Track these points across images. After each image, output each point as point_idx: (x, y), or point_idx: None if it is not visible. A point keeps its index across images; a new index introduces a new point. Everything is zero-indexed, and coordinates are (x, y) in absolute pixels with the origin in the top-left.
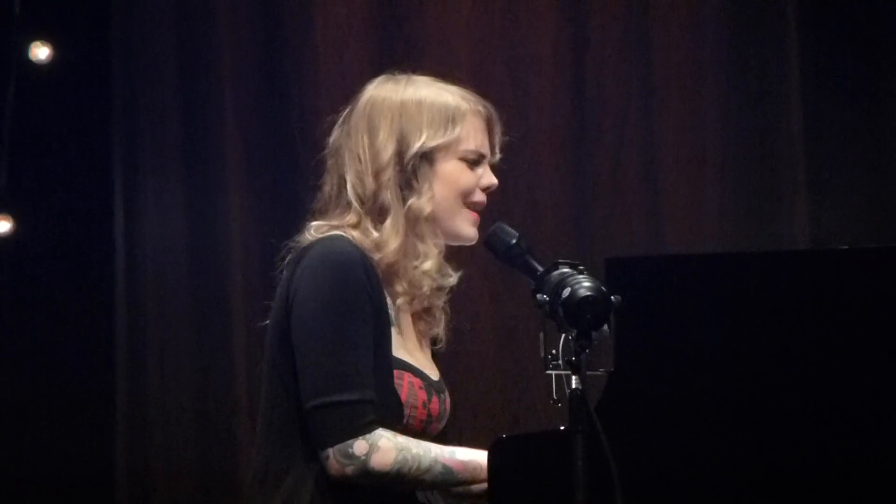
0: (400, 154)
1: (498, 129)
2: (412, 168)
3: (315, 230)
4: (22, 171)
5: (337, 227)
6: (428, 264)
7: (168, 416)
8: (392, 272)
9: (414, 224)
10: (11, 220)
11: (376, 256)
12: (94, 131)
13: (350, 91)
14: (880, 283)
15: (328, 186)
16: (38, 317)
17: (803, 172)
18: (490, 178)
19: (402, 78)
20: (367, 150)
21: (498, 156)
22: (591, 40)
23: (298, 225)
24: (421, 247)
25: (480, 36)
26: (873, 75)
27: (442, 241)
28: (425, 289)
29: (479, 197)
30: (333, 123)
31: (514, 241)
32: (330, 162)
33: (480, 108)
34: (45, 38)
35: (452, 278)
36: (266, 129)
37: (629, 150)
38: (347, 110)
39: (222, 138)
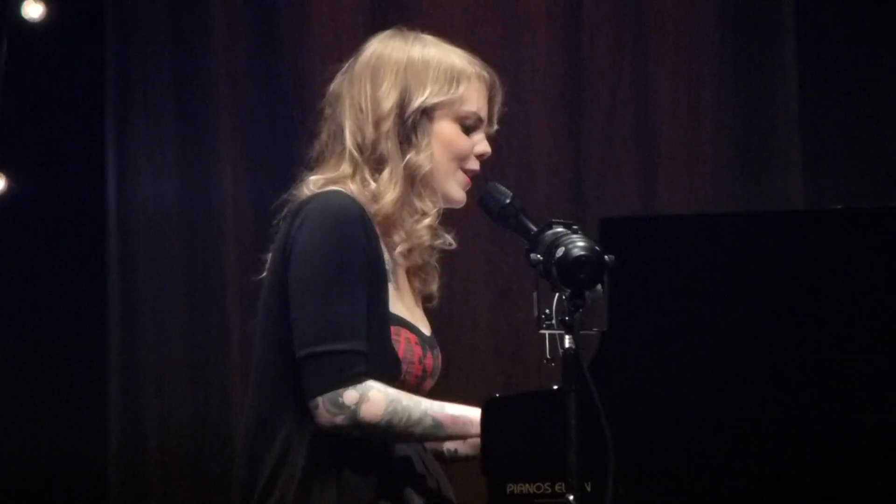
0: (402, 106)
1: (498, 99)
2: (412, 123)
3: (313, 184)
4: (15, 130)
5: (334, 181)
6: (427, 221)
7: (161, 374)
8: (390, 223)
9: (411, 179)
10: (4, 179)
11: (373, 208)
12: (86, 89)
13: (344, 51)
14: (876, 243)
15: (325, 135)
16: (31, 275)
17: (797, 133)
18: (485, 146)
19: (410, 35)
20: (368, 99)
21: (495, 127)
22: (585, 1)
23: (291, 183)
24: (419, 204)
25: None
26: (868, 39)
27: (440, 201)
28: (424, 239)
29: (474, 164)
30: (331, 76)
31: (507, 201)
32: (328, 111)
33: (485, 74)
34: None
35: (448, 240)
36: (259, 87)
37: (623, 111)
38: (350, 61)
39: (215, 96)
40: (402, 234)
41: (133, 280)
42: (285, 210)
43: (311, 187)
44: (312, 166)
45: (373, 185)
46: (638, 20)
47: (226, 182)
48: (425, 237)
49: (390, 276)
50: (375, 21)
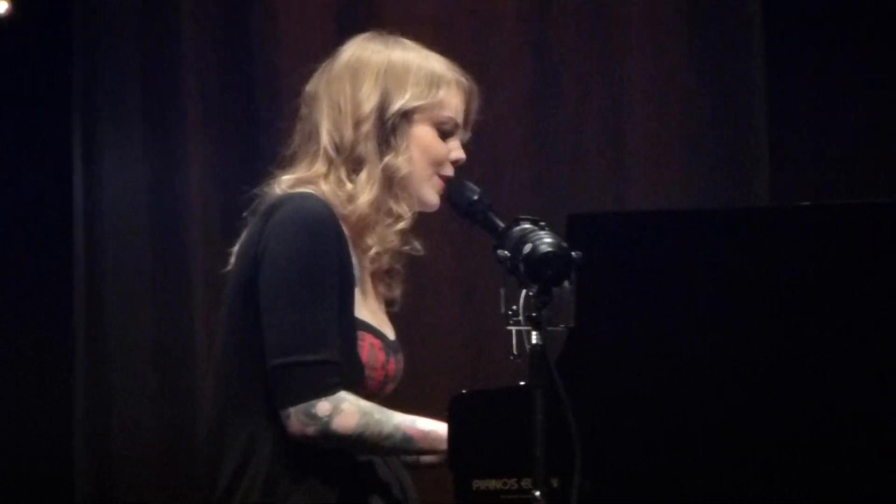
0: (382, 108)
1: (475, 106)
2: (392, 125)
3: (285, 184)
4: None
5: (307, 181)
6: (400, 225)
7: (127, 367)
8: (363, 225)
9: (389, 182)
10: None
11: (347, 209)
12: (53, 83)
13: (311, 44)
14: (842, 239)
15: (299, 135)
16: None
17: (766, 129)
18: (460, 152)
19: (390, 38)
20: (348, 100)
21: (469, 134)
22: None
23: (257, 175)
24: (395, 207)
25: None
26: (837, 33)
27: (416, 205)
28: (396, 244)
29: (449, 169)
30: (301, 73)
31: (475, 198)
32: (304, 111)
33: (464, 81)
34: None
35: (416, 246)
36: (227, 81)
37: (591, 107)
38: (327, 61)
39: (183, 90)
40: (374, 237)
41: (100, 273)
42: (254, 205)
43: (283, 187)
44: (285, 165)
45: (349, 185)
46: (606, 16)
47: (193, 176)
48: (396, 241)
49: (357, 281)
50: (344, 17)
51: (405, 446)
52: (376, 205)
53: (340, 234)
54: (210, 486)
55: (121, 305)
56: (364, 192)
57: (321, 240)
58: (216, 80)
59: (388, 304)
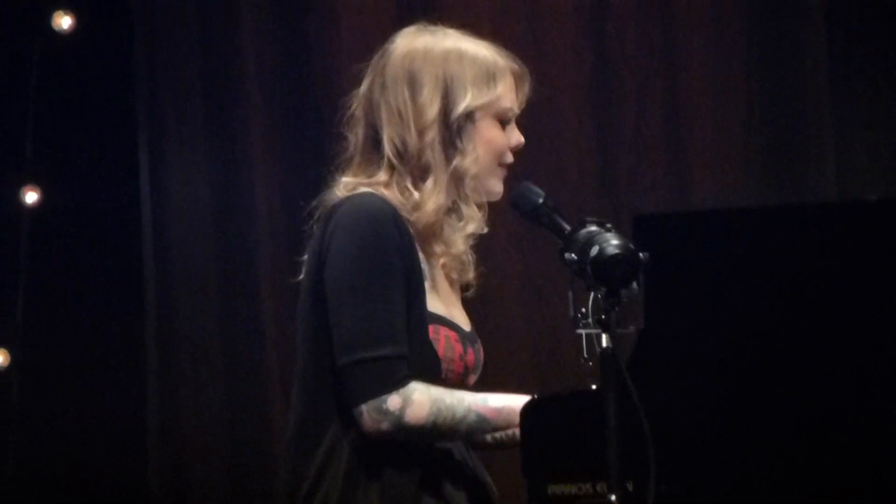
0: (445, 114)
1: (527, 88)
2: (457, 128)
3: (344, 187)
4: (48, 142)
5: (367, 185)
6: (471, 227)
7: (198, 376)
8: (430, 233)
9: (458, 185)
10: (39, 191)
11: (414, 216)
12: (117, 99)
13: (371, 48)
14: None
15: (355, 136)
16: (67, 286)
17: (830, 122)
18: (519, 137)
19: (438, 31)
20: (408, 106)
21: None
22: None
23: (323, 185)
24: (465, 210)
25: None
26: None
27: (483, 198)
28: (462, 249)
29: (510, 157)
30: (358, 75)
31: (540, 201)
32: (358, 111)
33: (515, 66)
34: (67, 6)
35: (484, 227)
36: (288, 90)
37: (652, 102)
38: (378, 60)
39: (245, 101)
40: (441, 244)
41: (169, 286)
42: (318, 213)
43: (343, 190)
44: (343, 168)
45: (416, 194)
46: (665, 10)
47: (258, 184)
48: (462, 247)
49: (426, 274)
50: (403, 19)
51: (481, 426)
52: (443, 210)
53: (403, 228)
54: (292, 492)
55: (191, 319)
56: (431, 199)
57: (382, 235)
58: (277, 89)
59: (464, 290)
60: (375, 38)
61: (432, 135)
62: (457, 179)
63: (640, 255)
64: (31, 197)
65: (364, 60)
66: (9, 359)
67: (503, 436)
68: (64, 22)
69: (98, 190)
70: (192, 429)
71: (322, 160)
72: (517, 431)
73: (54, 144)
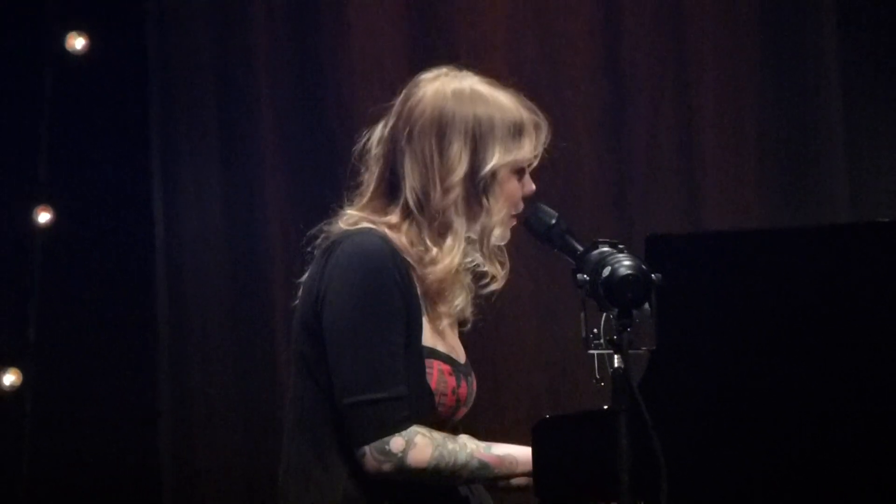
0: (473, 171)
1: (544, 138)
2: (483, 187)
3: (348, 219)
4: (62, 162)
5: (372, 223)
6: (493, 286)
7: (211, 406)
8: (437, 288)
9: (481, 242)
10: (52, 211)
11: (425, 270)
12: (131, 120)
13: (384, 72)
14: None
15: (371, 175)
16: (80, 306)
17: (842, 144)
18: (531, 185)
19: (463, 77)
20: (436, 161)
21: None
22: (625, 15)
23: (334, 203)
24: (490, 268)
25: (514, 13)
26: None
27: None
28: (461, 302)
29: (522, 206)
30: (372, 105)
31: (553, 222)
32: (377, 151)
33: (538, 120)
34: (80, 28)
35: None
36: (301, 113)
37: (665, 125)
38: (403, 104)
39: (259, 124)
40: (446, 305)
41: (181, 305)
42: (319, 240)
43: (344, 223)
44: (351, 199)
45: (434, 251)
46: (678, 33)
47: (272, 207)
48: (463, 301)
49: (423, 309)
50: (416, 43)
51: (482, 473)
52: (455, 270)
53: (401, 266)
54: None
55: (204, 343)
56: (447, 258)
57: (381, 275)
58: (292, 114)
59: (461, 325)
60: (387, 57)
61: (457, 192)
62: (484, 236)
63: (653, 276)
64: (44, 217)
65: (375, 84)
66: (21, 378)
67: (504, 485)
68: (77, 43)
69: (111, 210)
70: (204, 448)
71: (334, 178)
72: (518, 481)
73: (67, 164)
